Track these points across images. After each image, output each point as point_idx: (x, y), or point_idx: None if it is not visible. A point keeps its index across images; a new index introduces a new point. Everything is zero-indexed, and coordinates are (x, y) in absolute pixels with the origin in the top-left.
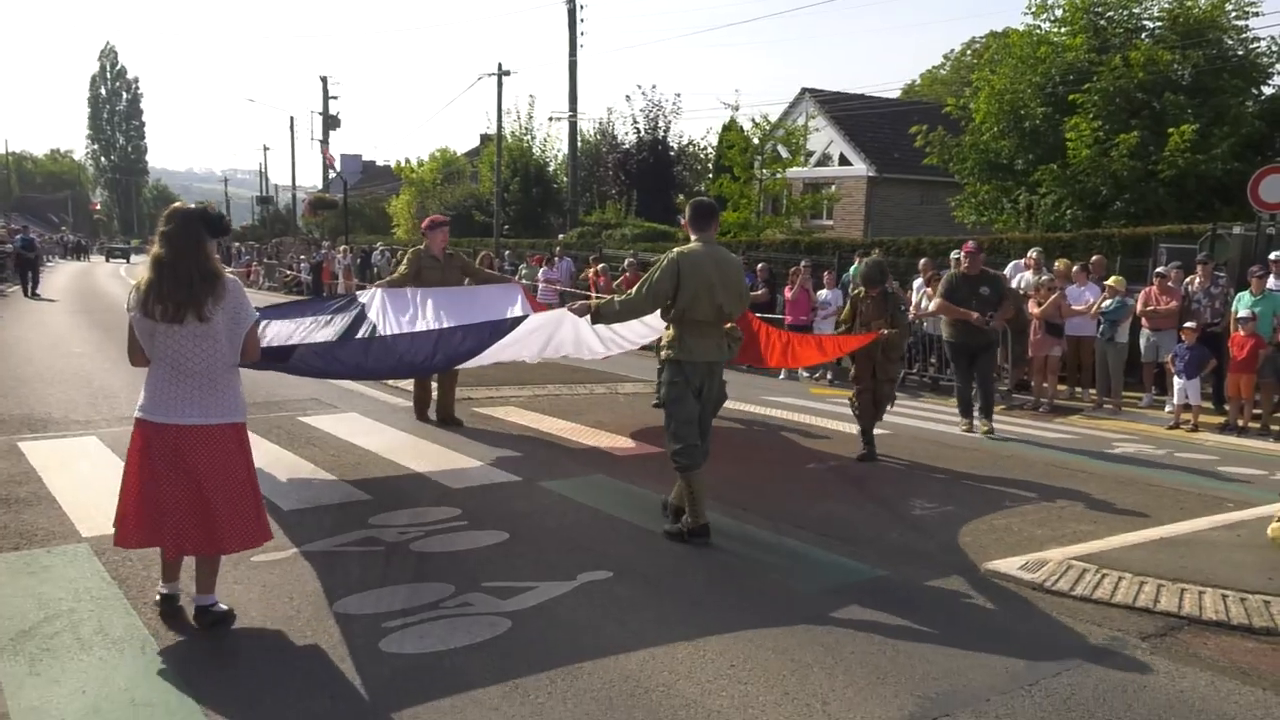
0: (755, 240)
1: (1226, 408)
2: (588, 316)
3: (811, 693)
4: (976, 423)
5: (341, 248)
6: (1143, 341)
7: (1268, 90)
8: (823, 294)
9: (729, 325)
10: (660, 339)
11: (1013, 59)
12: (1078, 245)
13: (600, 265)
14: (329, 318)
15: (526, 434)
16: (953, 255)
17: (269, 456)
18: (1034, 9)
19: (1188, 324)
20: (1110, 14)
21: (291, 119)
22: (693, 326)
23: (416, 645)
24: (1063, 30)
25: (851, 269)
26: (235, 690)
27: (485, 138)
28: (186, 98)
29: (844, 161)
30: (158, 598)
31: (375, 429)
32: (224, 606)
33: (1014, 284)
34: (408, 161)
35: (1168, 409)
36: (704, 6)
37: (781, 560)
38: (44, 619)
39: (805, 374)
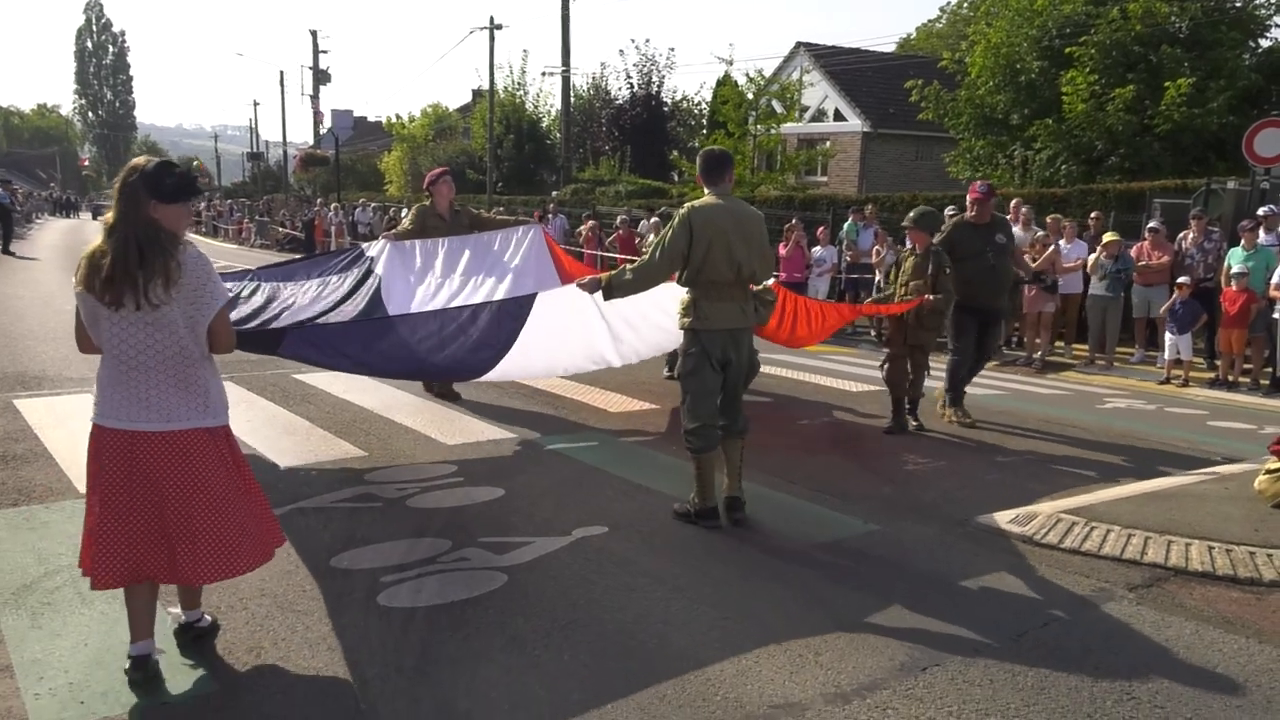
0: (750, 197)
1: (1217, 362)
2: (598, 293)
3: (804, 644)
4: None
5: (333, 205)
6: (1135, 297)
7: (1265, 43)
8: (817, 251)
9: (758, 287)
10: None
11: (1009, 12)
12: (1072, 200)
13: (592, 223)
14: (337, 279)
15: (523, 391)
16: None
17: (265, 414)
18: None
19: (1181, 279)
20: None
21: (281, 74)
22: (709, 289)
23: (414, 599)
24: None
25: (845, 226)
26: (236, 642)
27: (477, 93)
28: (175, 52)
29: (839, 117)
30: (126, 663)
31: (372, 386)
32: (209, 619)
33: None
34: (399, 118)
35: (1159, 364)
36: None
37: (774, 514)
38: (44, 574)
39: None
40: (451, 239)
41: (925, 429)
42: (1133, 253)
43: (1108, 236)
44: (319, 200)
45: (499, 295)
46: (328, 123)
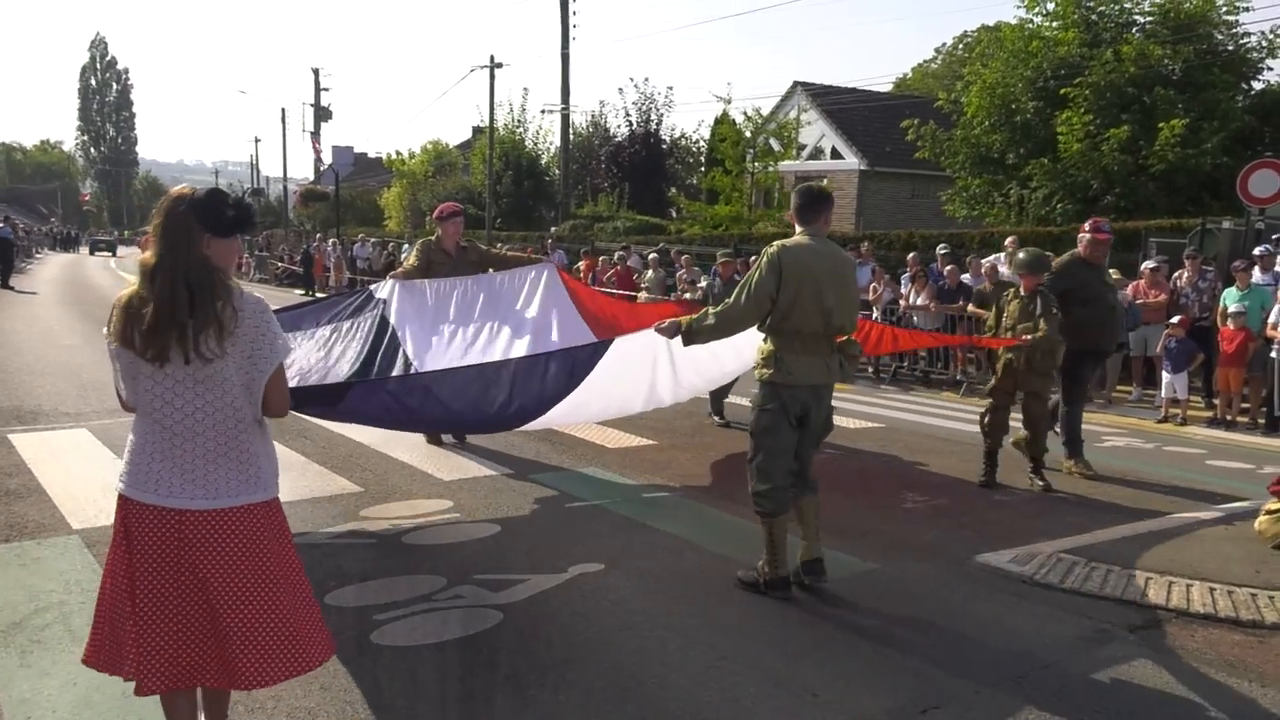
0: (748, 233)
1: (1215, 401)
2: (678, 339)
3: (802, 684)
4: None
5: (332, 240)
6: (1131, 335)
7: (1257, 85)
8: None
9: (842, 339)
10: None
11: (1004, 53)
12: (1068, 239)
13: (602, 259)
14: (349, 325)
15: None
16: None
17: None
18: (1027, 3)
19: (1174, 318)
20: (1102, 8)
21: (283, 110)
22: (794, 340)
23: (408, 637)
24: (1054, 24)
25: None
26: (235, 695)
27: (477, 130)
28: (177, 89)
29: (836, 155)
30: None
31: None
32: None
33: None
34: (399, 154)
35: (1157, 402)
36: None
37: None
38: (34, 611)
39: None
40: (464, 279)
41: (1053, 489)
42: (1129, 291)
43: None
44: (318, 235)
45: (517, 349)
46: (328, 159)
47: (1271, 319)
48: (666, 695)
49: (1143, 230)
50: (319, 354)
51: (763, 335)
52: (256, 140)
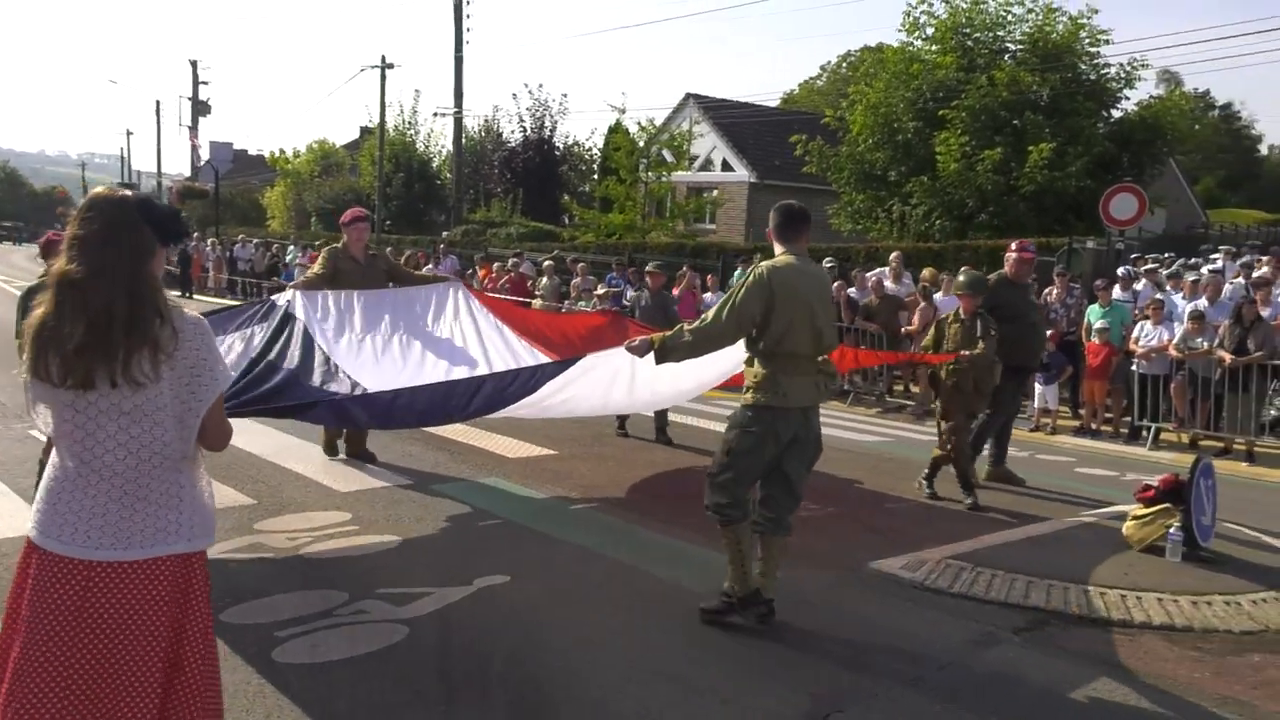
0: (641, 242)
1: (1081, 411)
2: (649, 356)
3: (710, 689)
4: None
5: (211, 239)
6: None
7: (1116, 113)
8: (708, 297)
9: (820, 359)
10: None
11: (887, 74)
12: (946, 255)
13: (496, 265)
14: (260, 328)
15: (418, 436)
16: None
17: None
18: (907, 27)
19: (1047, 332)
20: (977, 35)
21: (158, 103)
22: (787, 362)
23: (311, 654)
24: (934, 48)
25: (735, 274)
26: None
27: (365, 130)
28: (41, 74)
29: (726, 167)
30: None
31: (260, 430)
32: None
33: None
34: (283, 152)
35: (1028, 412)
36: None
37: (671, 560)
38: None
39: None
40: (366, 294)
41: (980, 507)
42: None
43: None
44: (196, 234)
45: (457, 369)
46: (206, 155)
47: (1135, 335)
48: (578, 706)
49: None
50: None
51: (750, 358)
52: (128, 133)
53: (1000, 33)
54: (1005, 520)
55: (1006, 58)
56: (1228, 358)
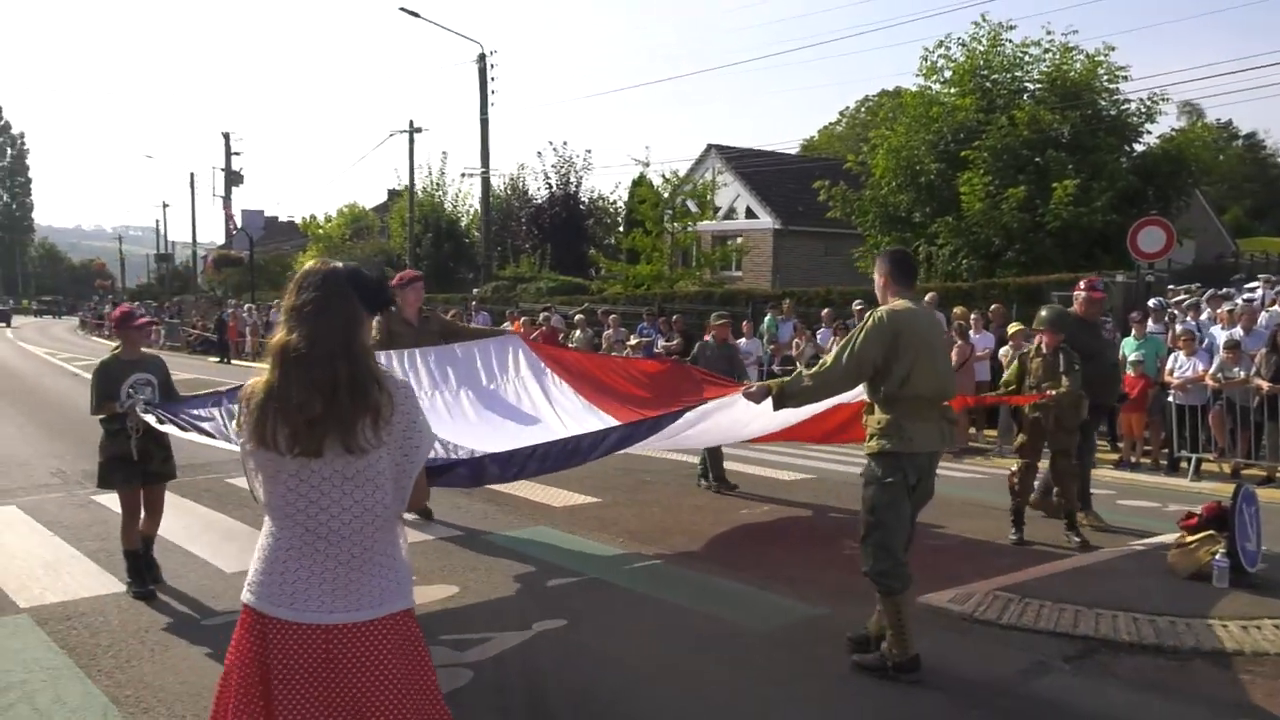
0: (670, 292)
1: (1120, 445)
2: (767, 402)
3: None
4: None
5: (248, 305)
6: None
7: (1139, 147)
8: (742, 343)
9: (944, 404)
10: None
11: (907, 118)
12: (975, 294)
13: (525, 319)
14: None
15: (463, 489)
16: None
17: (203, 520)
18: (924, 71)
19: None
20: (995, 76)
21: (192, 175)
22: (913, 407)
23: None
24: (952, 91)
25: (765, 320)
26: None
27: (393, 193)
28: (76, 152)
29: (750, 214)
30: None
31: None
32: None
33: None
34: (314, 218)
35: None
36: (612, 66)
37: (725, 602)
38: None
39: None
40: (431, 351)
41: (1091, 546)
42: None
43: (1012, 327)
44: (232, 301)
45: (531, 428)
46: (239, 223)
47: (1169, 366)
48: None
49: (1044, 284)
50: None
51: (870, 405)
52: (164, 205)
53: (1018, 73)
54: (1050, 552)
55: (1026, 97)
56: (1265, 385)
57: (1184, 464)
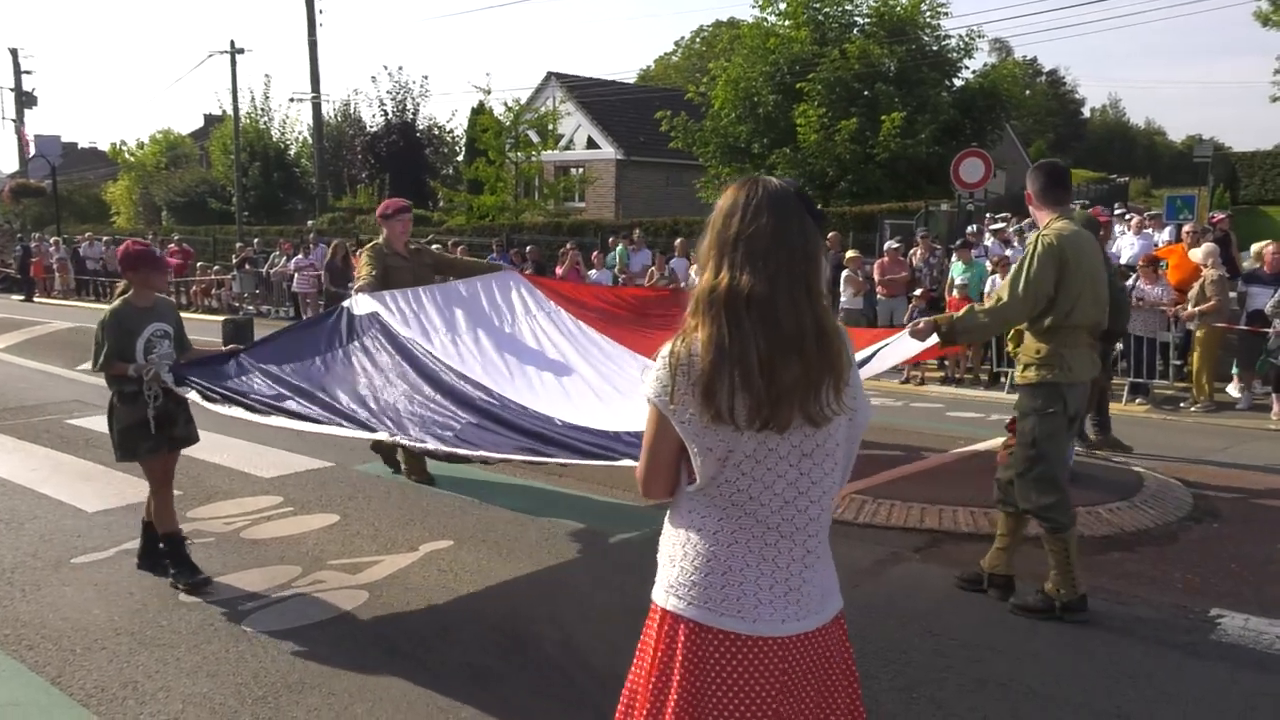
0: (517, 223)
1: (946, 363)
2: (933, 338)
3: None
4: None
5: (54, 239)
6: (879, 309)
7: (958, 82)
8: (592, 274)
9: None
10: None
11: (745, 49)
12: None
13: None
14: (369, 344)
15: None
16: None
17: (49, 462)
18: (761, 2)
19: (917, 290)
20: (827, 9)
21: None
22: (1074, 336)
23: (280, 622)
24: (787, 23)
25: (617, 250)
26: (107, 680)
27: (211, 119)
28: None
29: (592, 145)
30: None
31: None
32: None
33: None
34: (124, 144)
35: (901, 368)
36: None
37: (587, 513)
38: None
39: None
40: (436, 290)
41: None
42: (875, 269)
43: (849, 254)
44: (35, 235)
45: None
46: (34, 149)
47: (987, 289)
48: (548, 644)
49: (877, 214)
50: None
51: (1018, 334)
52: None
53: (848, 7)
54: (893, 459)
55: (856, 31)
56: None
57: (1002, 378)
